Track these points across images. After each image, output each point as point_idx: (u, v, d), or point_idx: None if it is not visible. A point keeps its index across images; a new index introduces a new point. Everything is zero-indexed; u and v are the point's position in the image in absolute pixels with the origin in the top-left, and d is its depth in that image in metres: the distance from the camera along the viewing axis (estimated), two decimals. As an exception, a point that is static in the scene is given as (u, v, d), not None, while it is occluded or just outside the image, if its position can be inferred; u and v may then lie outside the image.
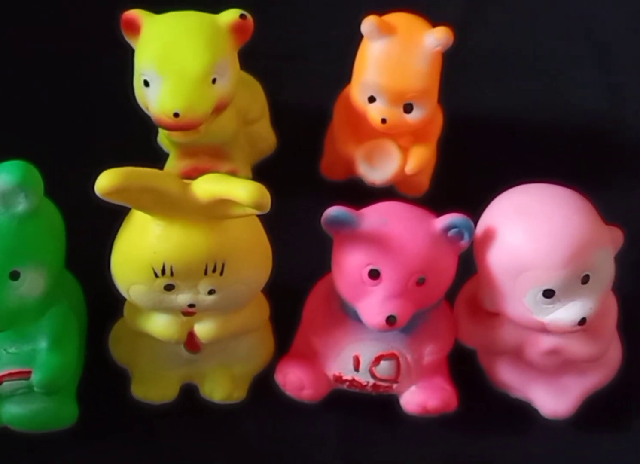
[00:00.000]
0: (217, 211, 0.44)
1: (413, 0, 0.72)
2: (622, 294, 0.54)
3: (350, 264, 0.47)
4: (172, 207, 0.44)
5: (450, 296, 0.52)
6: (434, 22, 0.59)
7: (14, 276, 0.45)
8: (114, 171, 0.42)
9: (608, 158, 0.66)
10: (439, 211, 0.51)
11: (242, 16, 0.54)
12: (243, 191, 0.42)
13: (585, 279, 0.46)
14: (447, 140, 0.62)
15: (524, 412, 0.54)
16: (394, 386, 0.51)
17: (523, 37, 0.73)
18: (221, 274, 0.46)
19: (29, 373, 0.49)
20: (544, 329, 0.48)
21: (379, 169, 0.59)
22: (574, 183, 0.57)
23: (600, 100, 0.69)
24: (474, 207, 0.50)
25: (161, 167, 0.61)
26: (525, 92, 0.69)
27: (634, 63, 0.72)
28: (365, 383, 0.51)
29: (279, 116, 0.64)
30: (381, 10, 0.58)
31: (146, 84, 0.54)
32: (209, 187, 0.43)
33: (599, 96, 0.69)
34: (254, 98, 0.62)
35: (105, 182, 0.42)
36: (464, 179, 0.64)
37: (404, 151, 0.59)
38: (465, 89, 0.68)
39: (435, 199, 0.62)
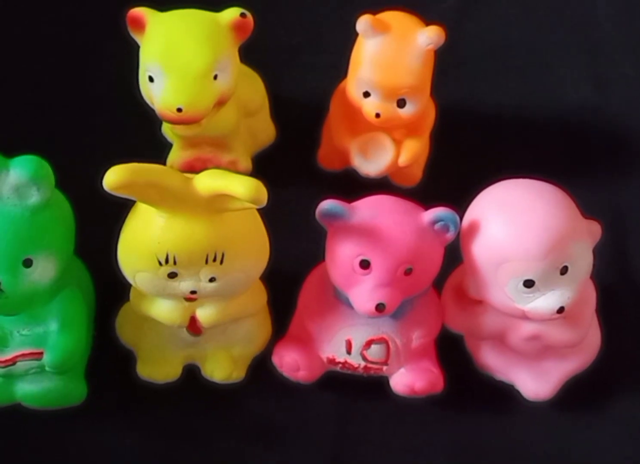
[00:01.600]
0: (217, 205, 0.45)
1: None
2: (603, 283, 0.55)
3: (342, 255, 0.49)
4: (175, 200, 0.45)
5: (438, 283, 0.53)
6: (429, 18, 0.59)
7: (27, 263, 0.46)
8: (121, 167, 0.44)
9: (594, 153, 0.67)
10: (431, 201, 0.52)
11: (242, 15, 0.55)
12: (241, 187, 0.43)
13: (563, 270, 0.48)
14: (439, 132, 0.63)
15: (507, 394, 0.55)
16: (384, 368, 0.53)
17: (515, 33, 0.73)
18: (221, 263, 0.47)
19: (41, 353, 0.50)
20: (524, 317, 0.49)
21: (373, 161, 0.61)
22: (560, 176, 0.58)
23: (589, 96, 0.70)
24: (465, 197, 0.51)
25: (165, 157, 0.63)
26: (516, 86, 0.70)
27: (623, 59, 0.72)
28: (357, 365, 0.53)
29: (279, 108, 0.65)
30: (378, 7, 0.59)
31: (151, 79, 0.55)
32: (209, 182, 0.45)
33: (588, 91, 0.70)
34: (254, 91, 0.62)
35: (113, 177, 0.43)
36: (455, 170, 0.65)
37: (398, 143, 0.60)
38: (458, 83, 0.69)
39: (427, 189, 0.64)
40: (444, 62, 0.59)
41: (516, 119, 0.68)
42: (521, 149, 0.67)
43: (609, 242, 0.60)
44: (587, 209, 0.57)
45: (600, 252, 0.54)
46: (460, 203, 0.51)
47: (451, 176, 0.64)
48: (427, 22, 0.58)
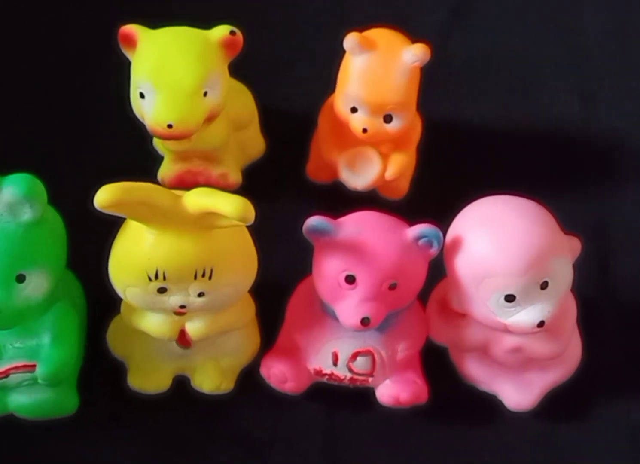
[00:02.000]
0: (205, 222, 0.46)
1: (397, 11, 0.74)
2: (585, 296, 0.56)
3: (328, 270, 0.50)
4: (165, 218, 0.46)
5: (423, 296, 0.54)
6: (417, 32, 0.60)
7: (20, 279, 0.47)
8: (111, 186, 0.44)
9: (580, 166, 0.68)
10: (418, 213, 0.54)
11: (232, 32, 0.56)
12: (229, 206, 0.44)
13: (544, 285, 0.49)
14: (427, 145, 0.63)
15: (490, 404, 0.56)
16: (370, 379, 0.54)
17: (502, 46, 0.73)
18: (210, 278, 0.48)
19: (34, 366, 0.51)
20: (506, 330, 0.50)
21: (360, 174, 0.61)
22: (545, 190, 0.59)
23: (576, 109, 0.70)
24: (452, 209, 0.52)
25: (156, 170, 0.63)
26: (502, 100, 0.71)
27: (610, 71, 0.72)
28: (343, 377, 0.53)
29: (268, 121, 0.66)
30: (367, 21, 0.60)
31: (142, 96, 0.56)
32: (198, 200, 0.46)
33: (575, 104, 0.71)
34: (244, 105, 0.63)
35: (103, 197, 0.44)
36: (442, 182, 0.65)
37: (385, 157, 0.61)
38: (445, 96, 0.70)
39: (415, 202, 0.64)
40: (431, 76, 0.60)
41: (502, 131, 0.69)
42: (507, 161, 0.68)
43: (591, 256, 0.62)
44: (571, 222, 0.57)
45: (583, 266, 0.55)
46: (448, 215, 0.52)
47: (438, 188, 0.65)
48: (415, 37, 0.59)
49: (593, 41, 0.74)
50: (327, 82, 0.61)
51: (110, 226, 0.50)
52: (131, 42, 0.56)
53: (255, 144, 0.66)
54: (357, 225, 0.50)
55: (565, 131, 0.70)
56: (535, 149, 0.69)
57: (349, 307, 0.49)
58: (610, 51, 0.74)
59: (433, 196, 0.64)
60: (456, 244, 0.50)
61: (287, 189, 0.65)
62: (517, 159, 0.68)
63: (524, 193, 0.52)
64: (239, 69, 0.60)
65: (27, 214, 0.47)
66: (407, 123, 0.59)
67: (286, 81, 0.70)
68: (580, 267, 0.53)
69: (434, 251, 0.50)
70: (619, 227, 0.65)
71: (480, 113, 0.70)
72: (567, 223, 0.56)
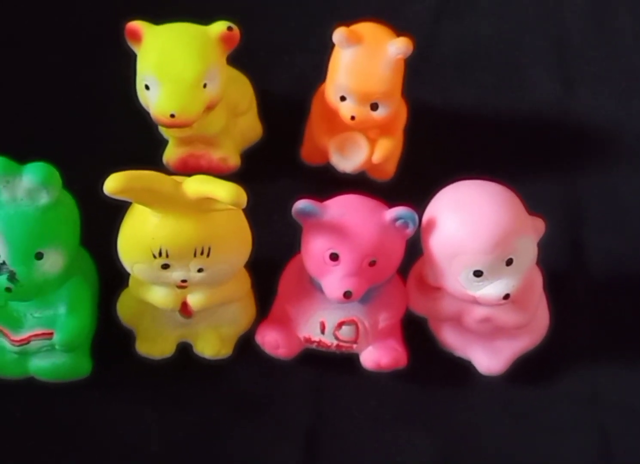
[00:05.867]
0: (203, 206, 0.50)
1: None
2: (557, 268, 0.60)
3: (314, 248, 0.53)
4: (167, 202, 0.49)
5: (404, 271, 0.58)
6: (405, 19, 0.64)
7: (39, 256, 0.50)
8: (119, 174, 0.48)
9: (560, 149, 0.70)
10: (403, 194, 0.57)
11: (229, 28, 0.59)
12: (223, 192, 0.48)
13: (509, 262, 0.52)
14: (413, 130, 0.66)
15: (464, 368, 0.59)
16: (354, 346, 0.57)
17: (485, 34, 0.75)
18: (208, 256, 0.51)
19: (52, 334, 0.54)
20: (476, 302, 0.53)
21: (349, 159, 0.64)
22: (526, 172, 0.62)
23: (558, 95, 0.72)
24: (435, 190, 0.55)
25: (161, 154, 0.66)
26: (486, 86, 0.73)
27: (589, 57, 0.75)
28: (330, 344, 0.57)
29: (265, 107, 0.68)
30: (358, 10, 0.64)
31: (147, 87, 0.59)
32: (196, 187, 0.49)
33: (557, 90, 0.72)
34: (242, 93, 0.66)
35: (111, 184, 0.47)
36: (427, 165, 0.68)
37: (372, 142, 0.64)
38: (431, 82, 0.72)
39: (401, 183, 0.67)
40: (417, 63, 0.63)
41: (485, 116, 0.71)
42: (489, 144, 0.70)
43: (565, 232, 0.65)
44: (548, 200, 0.61)
45: (557, 240, 0.59)
46: (432, 196, 0.55)
47: (423, 170, 0.67)
48: (402, 24, 0.62)
49: (574, 28, 0.76)
50: (319, 70, 0.64)
51: (119, 208, 0.53)
52: (137, 37, 0.59)
53: (253, 129, 0.68)
54: (341, 207, 0.53)
55: (547, 116, 0.72)
56: (517, 134, 0.71)
57: (333, 281, 0.53)
58: (590, 38, 0.76)
59: (418, 178, 0.67)
60: (431, 224, 0.53)
61: (283, 171, 0.67)
62: (499, 142, 0.70)
63: (504, 175, 0.55)
64: (238, 58, 0.63)
65: (44, 199, 0.50)
66: (393, 110, 0.62)
67: (282, 70, 0.73)
68: (554, 242, 0.56)
69: (410, 231, 0.53)
70: (592, 206, 0.68)
71: (465, 99, 0.72)
72: (545, 201, 0.60)
